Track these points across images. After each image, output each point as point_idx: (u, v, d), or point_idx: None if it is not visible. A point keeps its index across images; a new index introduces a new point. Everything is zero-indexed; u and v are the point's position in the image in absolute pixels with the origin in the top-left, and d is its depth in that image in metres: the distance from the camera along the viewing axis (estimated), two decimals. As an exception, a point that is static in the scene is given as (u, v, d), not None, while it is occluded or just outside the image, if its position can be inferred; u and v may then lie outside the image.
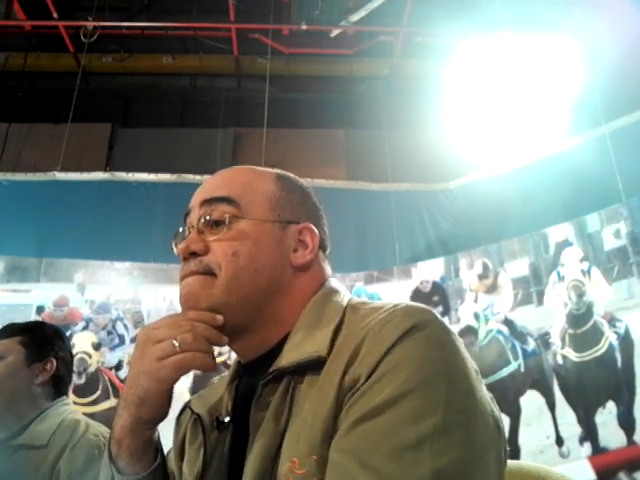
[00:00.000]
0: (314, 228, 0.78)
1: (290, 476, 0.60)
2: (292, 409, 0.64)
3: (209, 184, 0.78)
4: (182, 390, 2.72)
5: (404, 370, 0.58)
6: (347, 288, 0.82)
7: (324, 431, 0.60)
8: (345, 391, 0.61)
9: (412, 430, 0.55)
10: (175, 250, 0.76)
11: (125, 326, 3.27)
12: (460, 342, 0.65)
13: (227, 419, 0.73)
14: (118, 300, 3.33)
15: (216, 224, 0.73)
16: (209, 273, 0.71)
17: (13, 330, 1.40)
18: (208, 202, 0.75)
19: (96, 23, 3.91)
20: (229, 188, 0.76)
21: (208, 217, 0.74)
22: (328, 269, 0.82)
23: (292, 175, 0.84)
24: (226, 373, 0.82)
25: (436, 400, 0.56)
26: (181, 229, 0.78)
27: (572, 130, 3.24)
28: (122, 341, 3.23)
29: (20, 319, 3.12)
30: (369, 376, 0.59)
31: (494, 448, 0.59)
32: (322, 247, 0.81)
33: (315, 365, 0.65)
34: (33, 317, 3.17)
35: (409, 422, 0.55)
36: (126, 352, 3.18)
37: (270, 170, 0.82)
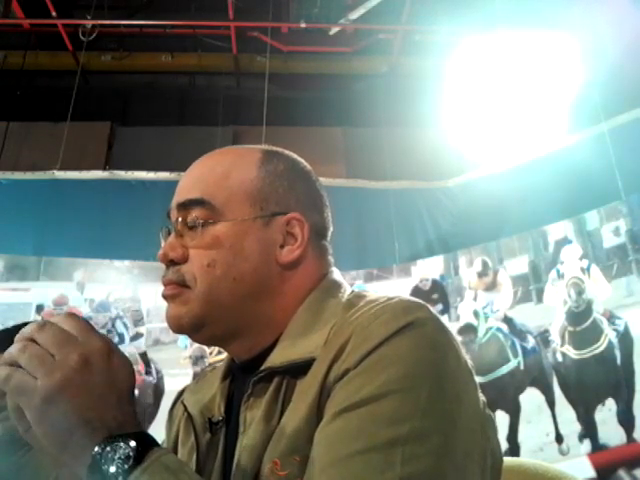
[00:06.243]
0: (302, 217, 0.71)
1: (272, 477, 0.58)
2: (284, 411, 0.62)
3: (185, 181, 0.73)
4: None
5: (389, 369, 0.56)
6: (346, 286, 0.79)
7: (306, 431, 0.58)
8: (328, 388, 0.58)
9: (386, 432, 0.52)
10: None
11: (125, 325, 3.27)
12: (456, 340, 0.62)
13: (219, 420, 0.70)
14: (118, 299, 3.33)
15: (192, 228, 0.69)
16: (184, 285, 0.68)
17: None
18: (183, 205, 0.70)
19: (95, 21, 3.90)
20: (204, 186, 0.70)
21: (182, 221, 0.70)
22: (328, 259, 0.76)
23: (283, 153, 0.77)
24: (221, 363, 0.79)
25: (417, 403, 0.54)
26: (163, 229, 0.74)
27: (571, 128, 3.24)
28: (122, 340, 3.23)
29: (20, 318, 3.13)
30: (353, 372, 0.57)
31: (478, 456, 0.57)
32: (320, 234, 0.76)
33: (309, 366, 0.62)
34: (33, 316, 3.17)
35: (385, 423, 0.53)
36: (126, 351, 3.17)
37: (256, 149, 0.76)
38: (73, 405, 0.52)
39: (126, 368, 0.57)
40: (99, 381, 0.53)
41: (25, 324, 0.61)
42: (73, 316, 0.57)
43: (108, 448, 0.51)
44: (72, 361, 0.53)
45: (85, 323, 0.57)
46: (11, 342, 0.56)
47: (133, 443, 0.51)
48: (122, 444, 0.51)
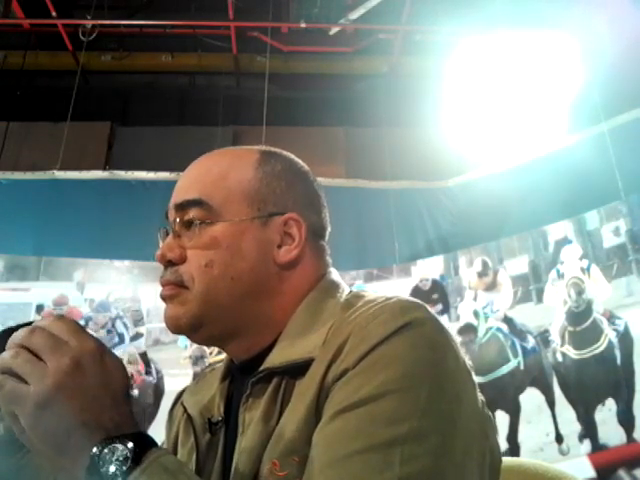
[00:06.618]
0: (300, 218, 0.71)
1: (271, 478, 0.58)
2: (283, 411, 0.62)
3: (183, 182, 0.73)
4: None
5: (387, 369, 0.56)
6: (346, 286, 0.78)
7: (304, 431, 0.58)
8: (327, 389, 0.58)
9: (385, 431, 0.52)
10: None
11: (125, 325, 3.27)
12: (454, 340, 0.62)
13: (219, 420, 0.70)
14: (118, 299, 3.33)
15: (190, 228, 0.69)
16: (182, 285, 0.68)
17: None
18: (180, 206, 0.70)
19: (95, 21, 3.90)
20: (201, 187, 0.70)
21: (179, 221, 0.70)
22: (326, 259, 0.76)
23: (280, 154, 0.77)
24: (220, 364, 0.79)
25: (416, 403, 0.54)
26: (161, 230, 0.75)
27: (571, 127, 3.24)
28: (122, 340, 3.23)
29: (20, 318, 3.13)
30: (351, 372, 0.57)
31: (477, 456, 0.57)
32: (318, 234, 0.76)
33: (308, 367, 0.62)
34: (33, 316, 3.17)
35: (383, 423, 0.53)
36: (126, 351, 3.18)
37: (254, 150, 0.76)
38: (68, 409, 0.52)
39: (119, 369, 0.56)
40: (92, 383, 0.53)
41: (29, 324, 0.61)
42: (63, 319, 0.57)
43: (106, 450, 0.51)
44: (64, 365, 0.52)
45: (75, 325, 0.56)
46: None
47: (131, 444, 0.51)
48: (120, 445, 0.51)
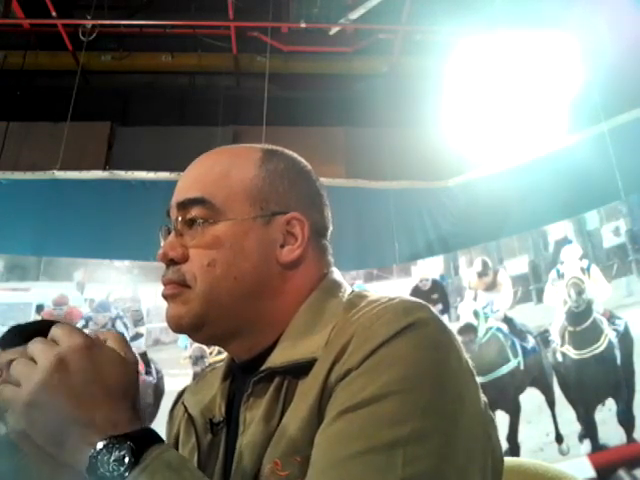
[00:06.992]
0: (303, 217, 0.71)
1: (272, 477, 0.58)
2: (285, 411, 0.61)
3: (185, 180, 0.73)
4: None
5: (390, 369, 0.55)
6: (346, 286, 0.78)
7: (307, 431, 0.57)
8: (330, 389, 0.58)
9: (388, 433, 0.52)
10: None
11: (125, 325, 3.27)
12: (457, 341, 0.61)
13: (220, 420, 0.70)
14: (118, 299, 3.33)
15: (192, 227, 0.69)
16: (184, 284, 0.68)
17: (28, 333, 1.38)
18: (182, 204, 0.70)
19: (95, 21, 3.90)
20: (203, 185, 0.70)
21: (182, 220, 0.69)
22: (328, 259, 0.76)
23: (283, 152, 0.76)
24: (221, 363, 0.79)
25: (418, 404, 0.54)
26: (163, 229, 0.74)
27: (571, 127, 3.24)
28: (122, 340, 3.22)
29: (20, 318, 3.13)
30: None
31: (479, 457, 0.57)
32: (320, 234, 0.75)
33: (310, 367, 0.62)
34: (33, 316, 3.17)
35: (386, 424, 0.53)
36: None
37: (256, 148, 0.75)
38: (57, 406, 0.52)
39: (117, 365, 0.56)
40: (80, 379, 0.53)
41: (38, 322, 0.62)
42: (59, 324, 0.57)
43: (104, 450, 0.51)
44: (48, 363, 0.53)
45: (68, 327, 0.57)
46: (22, 338, 0.57)
47: (129, 443, 0.51)
48: (117, 445, 0.51)
